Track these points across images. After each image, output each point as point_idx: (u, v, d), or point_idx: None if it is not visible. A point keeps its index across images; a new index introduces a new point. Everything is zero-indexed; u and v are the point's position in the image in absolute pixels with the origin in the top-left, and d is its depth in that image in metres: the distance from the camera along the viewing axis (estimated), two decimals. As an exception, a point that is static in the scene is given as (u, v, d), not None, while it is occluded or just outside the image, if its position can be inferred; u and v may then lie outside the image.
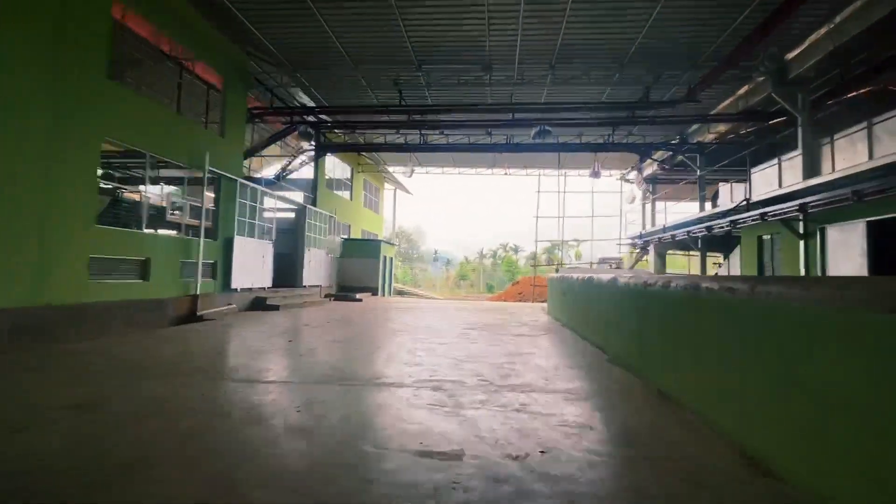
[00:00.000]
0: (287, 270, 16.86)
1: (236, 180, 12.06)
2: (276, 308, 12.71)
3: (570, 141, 16.39)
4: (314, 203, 18.04)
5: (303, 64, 12.50)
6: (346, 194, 22.54)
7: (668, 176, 20.53)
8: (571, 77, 11.91)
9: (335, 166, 22.01)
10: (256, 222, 13.17)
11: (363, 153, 21.93)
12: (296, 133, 15.89)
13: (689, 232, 15.15)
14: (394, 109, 12.87)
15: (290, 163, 17.61)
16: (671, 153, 16.80)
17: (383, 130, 16.61)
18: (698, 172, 16.11)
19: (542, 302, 21.96)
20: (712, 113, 13.55)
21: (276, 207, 16.64)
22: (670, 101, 11.93)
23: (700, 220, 14.58)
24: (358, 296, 18.39)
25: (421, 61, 11.94)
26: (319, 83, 13.28)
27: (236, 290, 12.15)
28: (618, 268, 24.39)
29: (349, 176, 22.67)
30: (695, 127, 15.43)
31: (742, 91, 12.51)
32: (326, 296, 18.16)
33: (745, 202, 11.04)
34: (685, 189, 20.25)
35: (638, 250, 21.31)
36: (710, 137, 15.30)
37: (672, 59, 11.11)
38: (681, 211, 20.09)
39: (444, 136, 17.22)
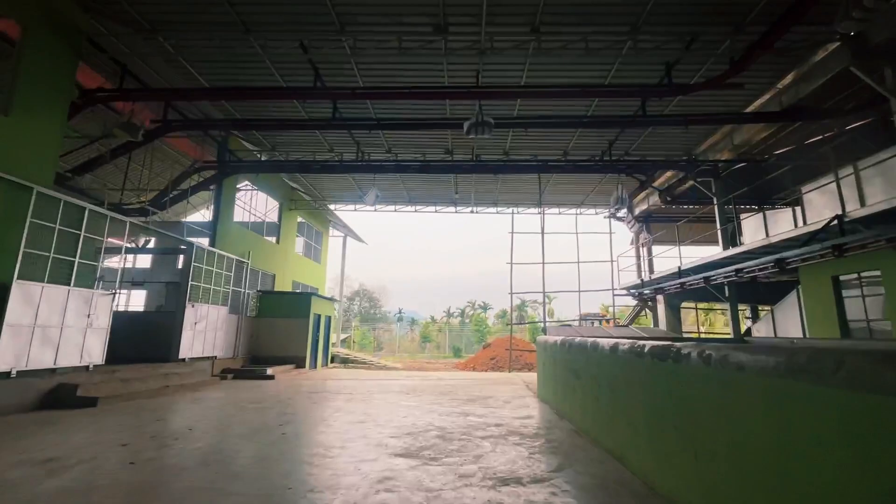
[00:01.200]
0: (155, 336, 11.58)
1: (30, 188, 7.29)
2: (90, 404, 7.48)
3: (552, 158, 12.66)
4: (213, 241, 13.19)
5: (167, 24, 8.30)
6: (272, 237, 17.79)
7: (666, 212, 17.12)
8: (563, 45, 8.19)
9: (257, 200, 17.44)
10: (78, 260, 8.21)
11: (288, 178, 17.53)
12: (186, 141, 11.43)
13: (707, 278, 11.22)
14: (307, 91, 8.68)
15: (176, 183, 12.90)
16: (678, 179, 13.32)
17: (298, 134, 12.41)
18: (715, 201, 12.60)
19: (522, 371, 17.25)
20: (749, 111, 10.13)
21: (141, 248, 11.74)
22: (700, 83, 8.35)
23: (730, 261, 10.73)
24: (270, 371, 13.12)
25: (345, 22, 8.02)
26: (194, 55, 9.03)
27: (9, 373, 6.94)
28: (605, 325, 20.26)
29: (277, 213, 18.07)
30: (710, 141, 12.08)
31: (788, 79, 9.17)
32: (225, 371, 12.80)
33: (836, 219, 7.19)
34: (684, 230, 16.78)
35: (636, 304, 17.29)
36: (725, 156, 11.94)
37: (706, 20, 7.65)
38: (687, 255, 16.46)
39: (390, 154, 13.18)
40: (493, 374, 16.32)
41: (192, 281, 11.68)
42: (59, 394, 7.61)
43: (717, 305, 18.04)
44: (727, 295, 11.93)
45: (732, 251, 10.52)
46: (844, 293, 8.37)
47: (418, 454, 4.70)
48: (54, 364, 7.73)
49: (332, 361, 21.64)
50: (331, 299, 19.02)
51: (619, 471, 4.10)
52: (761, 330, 11.75)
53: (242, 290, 14.64)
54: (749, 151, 11.81)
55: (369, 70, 9.26)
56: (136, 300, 21.47)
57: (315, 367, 16.30)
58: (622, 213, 17.89)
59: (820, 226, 7.52)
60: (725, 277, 10.99)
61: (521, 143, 12.81)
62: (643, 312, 17.57)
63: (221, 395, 9.04)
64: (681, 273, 12.15)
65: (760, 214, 11.73)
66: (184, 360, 11.32)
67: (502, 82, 9.29)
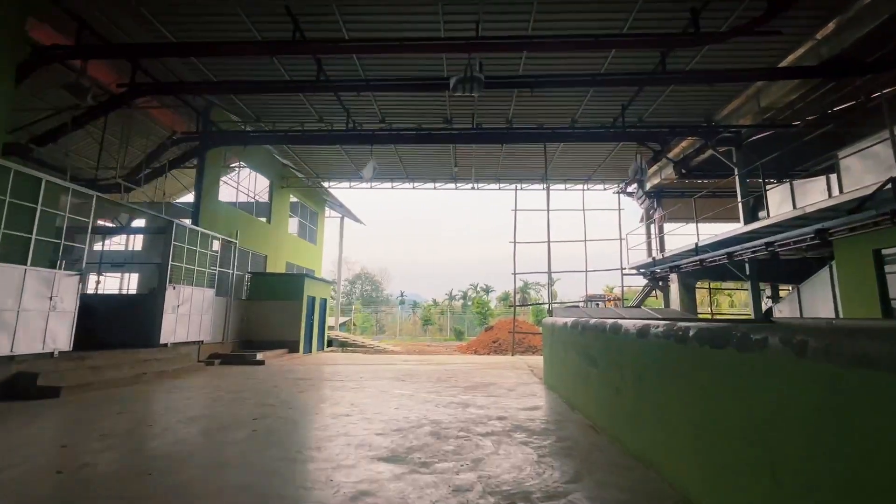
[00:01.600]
0: (135, 321, 10.86)
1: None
2: (52, 394, 6.78)
3: (559, 126, 11.67)
4: (195, 219, 12.36)
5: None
6: (263, 218, 16.93)
7: (679, 187, 16.13)
8: (574, -13, 7.17)
9: (247, 179, 16.55)
10: (34, 237, 7.40)
11: (279, 154, 16.59)
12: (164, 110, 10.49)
13: (731, 254, 10.34)
14: (285, 46, 7.69)
15: (153, 156, 12.00)
16: (695, 149, 12.31)
17: (283, 101, 11.46)
18: (737, 172, 11.62)
19: (526, 355, 16.57)
20: (783, 65, 9.08)
21: (121, 228, 10.93)
22: (731, 30, 7.32)
23: (756, 235, 9.83)
24: (260, 356, 12.43)
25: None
26: (159, 7, 8.03)
27: (-46, 362, 6.22)
28: (614, 306, 19.52)
29: (268, 192, 17.17)
30: (732, 105, 11.05)
31: (830, 27, 8.11)
32: (213, 357, 12.13)
33: (889, 183, 6.27)
34: (698, 206, 15.79)
35: (646, 284, 16.45)
36: (749, 121, 10.92)
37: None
38: (702, 232, 15.54)
39: (384, 124, 12.21)
40: (495, 357, 15.63)
41: (172, 261, 10.89)
42: (16, 384, 6.90)
43: (734, 285, 17.18)
44: (748, 273, 11.06)
45: (759, 224, 9.60)
46: (887, 269, 7.50)
47: (406, 457, 3.93)
48: (11, 351, 6.99)
49: (329, 345, 21.05)
50: (326, 281, 18.27)
51: (651, 481, 3.32)
52: (784, 310, 10.93)
53: (231, 272, 13.87)
54: (775, 117, 10.78)
55: (355, 22, 8.25)
56: (130, 283, 20.82)
57: (310, 351, 15.64)
58: (632, 188, 16.92)
59: (869, 191, 6.60)
60: (753, 252, 10.08)
61: (525, 110, 11.81)
62: (653, 293, 16.75)
63: (201, 384, 8.33)
64: (698, 250, 11.27)
65: (786, 185, 10.77)
66: (166, 345, 10.62)
67: (506, 35, 8.27)
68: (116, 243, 20.08)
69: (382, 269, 78.71)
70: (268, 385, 8.16)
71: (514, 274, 16.88)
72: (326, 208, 25.08)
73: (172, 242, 10.90)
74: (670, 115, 11.95)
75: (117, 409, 5.93)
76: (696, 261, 11.46)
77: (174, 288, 10.88)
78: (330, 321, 28.03)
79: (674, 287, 13.09)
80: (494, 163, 16.09)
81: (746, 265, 11.20)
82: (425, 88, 8.72)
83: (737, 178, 11.63)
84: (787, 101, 9.86)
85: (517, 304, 19.11)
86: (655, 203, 16.71)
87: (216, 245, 12.90)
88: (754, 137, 11.58)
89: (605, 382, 4.83)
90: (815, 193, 9.79)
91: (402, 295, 59.61)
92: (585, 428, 5.03)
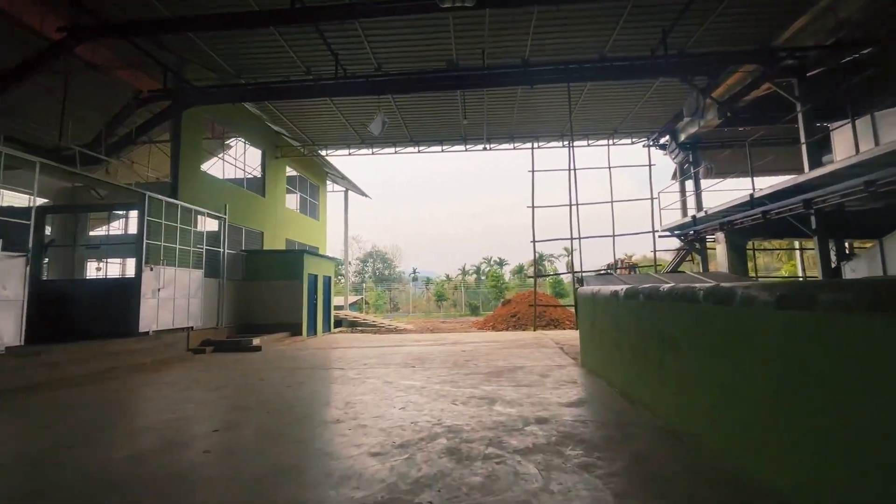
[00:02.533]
0: (112, 308, 9.68)
1: None
2: (-11, 398, 5.60)
3: (587, 60, 9.88)
4: (174, 191, 11.00)
5: None
6: (257, 192, 15.54)
7: (719, 137, 14.22)
8: None
9: (240, 150, 15.08)
10: (-41, 211, 6.08)
11: (270, 121, 15.05)
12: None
13: (808, 202, 8.62)
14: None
15: (118, 121, 10.58)
16: (746, 85, 10.40)
17: (264, 48, 9.85)
18: (799, 107, 9.74)
19: (548, 329, 15.21)
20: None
21: (88, 206, 9.63)
22: None
23: (827, 180, 8.11)
24: (257, 341, 11.25)
25: None
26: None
27: None
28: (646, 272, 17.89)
29: (260, 162, 15.71)
30: (797, 25, 9.11)
31: None
32: (204, 344, 10.98)
33: None
34: (741, 157, 13.88)
35: (682, 247, 14.77)
36: (818, 42, 9.00)
37: None
38: (744, 188, 13.74)
39: (380, 72, 10.55)
40: (516, 334, 14.27)
41: (148, 239, 9.60)
42: (-54, 388, 5.73)
43: (779, 244, 15.36)
44: (815, 227, 9.36)
45: (836, 166, 7.84)
46: None
47: (412, 502, 2.55)
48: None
49: (338, 326, 19.96)
50: (329, 258, 16.96)
51: None
52: (858, 269, 9.27)
53: (221, 251, 12.60)
54: (852, 34, 8.85)
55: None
56: (127, 269, 19.79)
57: (314, 333, 14.47)
58: (665, 139, 15.03)
59: None
60: (841, 196, 8.29)
61: (544, 45, 10.02)
62: (689, 258, 15.09)
63: (177, 378, 7.09)
64: (754, 202, 9.56)
65: (866, 119, 8.92)
66: (147, 333, 9.44)
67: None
68: (115, 228, 18.95)
69: (394, 245, 77.67)
70: (254, 378, 6.89)
71: (534, 242, 15.34)
72: (329, 182, 23.67)
73: (146, 218, 9.58)
74: (718, 44, 10.04)
75: (51, 418, 4.68)
76: (756, 214, 9.73)
77: (152, 269, 9.61)
78: (339, 301, 27.01)
79: (720, 248, 11.41)
80: (508, 117, 14.31)
81: (813, 218, 9.47)
82: (422, 10, 7.02)
83: (800, 115, 9.77)
84: (872, 11, 7.93)
85: (537, 273, 17.57)
86: (691, 156, 14.83)
87: (204, 222, 11.57)
88: (817, 71, 9.66)
89: (693, 372, 3.37)
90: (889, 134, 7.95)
91: (414, 272, 58.63)
92: (664, 435, 3.60)
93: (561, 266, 42.74)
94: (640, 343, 4.44)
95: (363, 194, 24.91)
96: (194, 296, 11.05)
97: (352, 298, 40.90)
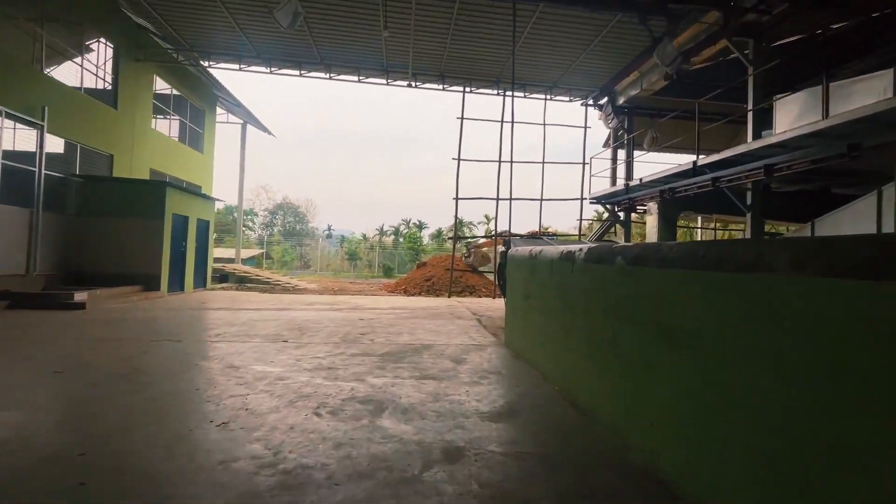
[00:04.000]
0: None
1: None
2: None
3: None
4: (-61, 72, 7.38)
5: None
6: (104, 99, 11.76)
7: (657, 104, 13.45)
8: None
9: (88, 42, 11.08)
10: None
11: (130, 9, 11.29)
12: None
13: (770, 168, 7.83)
14: None
15: None
16: (707, 37, 9.35)
17: None
18: (751, 71, 8.93)
19: (463, 296, 13.91)
20: None
21: None
22: None
23: (767, 151, 7.37)
24: (81, 296, 8.33)
25: None
26: None
27: None
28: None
29: (112, 62, 11.84)
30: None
31: None
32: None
33: None
34: (671, 128, 13.31)
35: (607, 218, 14.12)
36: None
37: None
38: (673, 162, 13.21)
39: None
40: (429, 299, 12.74)
41: None
42: None
43: (722, 220, 15.39)
44: (749, 204, 8.80)
45: (787, 135, 7.05)
46: None
47: None
48: None
49: (223, 281, 16.96)
50: (204, 196, 13.80)
51: None
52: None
53: (36, 171, 9.14)
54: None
55: None
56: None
57: (181, 288, 11.62)
58: (603, 101, 13.97)
59: None
60: (788, 167, 7.54)
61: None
62: (612, 229, 14.54)
63: None
64: (696, 170, 8.71)
65: (811, 91, 8.31)
66: None
67: None
68: None
69: (308, 200, 72.25)
70: (16, 367, 4.42)
71: (457, 199, 13.69)
72: (223, 113, 19.71)
73: None
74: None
75: None
76: (702, 182, 8.87)
77: None
78: (230, 253, 23.47)
79: (650, 220, 10.68)
80: (439, 47, 12.11)
81: (749, 194, 8.89)
82: None
83: (750, 80, 8.98)
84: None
85: (457, 236, 16.10)
86: (626, 122, 14.00)
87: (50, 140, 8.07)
88: (775, 41, 8.88)
89: (744, 403, 1.84)
90: (856, 97, 7.36)
91: (329, 228, 55.00)
92: (660, 493, 2.10)
93: (481, 233, 42.31)
94: (608, 331, 2.91)
95: (265, 130, 21.30)
96: (-21, 229, 7.75)
97: (253, 251, 36.73)
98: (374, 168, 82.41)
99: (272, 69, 13.21)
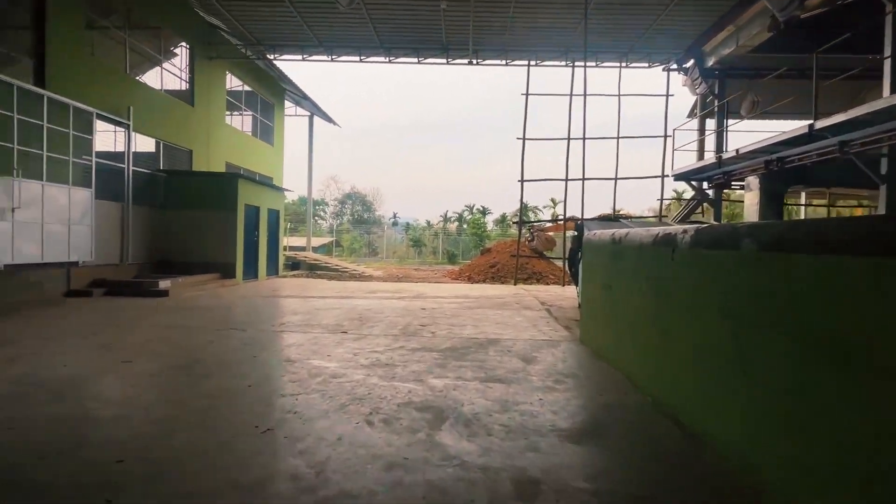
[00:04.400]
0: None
1: None
2: None
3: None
4: (40, 77, 8.03)
5: None
6: (182, 98, 12.44)
7: (754, 63, 11.63)
8: None
9: (165, 44, 11.76)
10: None
11: (201, 8, 11.74)
12: None
13: (865, 143, 6.33)
14: None
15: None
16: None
17: None
18: (889, 8, 7.23)
19: (529, 284, 13.20)
20: None
21: None
22: None
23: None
24: (165, 284, 8.87)
25: None
26: None
27: None
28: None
29: (188, 60, 12.47)
30: None
31: None
32: (95, 284, 8.57)
33: None
34: (782, 89, 11.38)
35: (693, 197, 12.62)
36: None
37: None
38: (774, 130, 11.45)
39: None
40: (494, 287, 12.23)
41: (-14, 137, 6.83)
42: None
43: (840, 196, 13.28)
44: (885, 173, 7.21)
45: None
46: None
47: None
48: None
49: (295, 269, 17.66)
50: (274, 187, 14.26)
51: None
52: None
53: (126, 167, 9.83)
54: None
55: None
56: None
57: (255, 276, 12.13)
58: (689, 63, 12.37)
59: None
60: None
61: None
62: (699, 209, 12.99)
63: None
64: (813, 134, 7.26)
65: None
66: (-5, 268, 6.91)
67: None
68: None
69: (374, 188, 74.34)
70: (94, 344, 4.59)
71: (522, 181, 12.92)
72: (291, 106, 20.35)
73: (-18, 106, 6.75)
74: None
75: None
76: (822, 149, 7.41)
77: (-6, 180, 6.92)
78: (302, 241, 24.51)
79: (750, 197, 9.24)
80: (501, 19, 11.33)
81: (884, 162, 7.29)
82: None
83: (890, 17, 7.28)
84: None
85: (522, 220, 15.32)
86: (716, 86, 12.31)
87: (88, 123, 8.69)
88: None
89: None
90: None
91: (394, 216, 56.17)
92: None
93: (546, 218, 40.73)
94: (726, 339, 2.23)
95: (331, 121, 21.73)
96: (78, 222, 8.44)
97: (324, 240, 38.35)
98: (437, 156, 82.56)
99: (333, 57, 13.20)
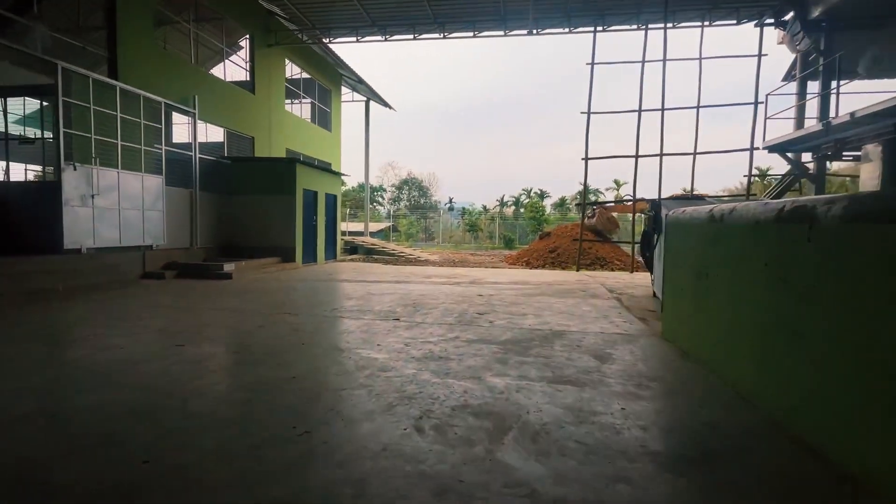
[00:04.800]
0: (30, 220, 7.64)
1: None
2: None
3: None
4: (111, 70, 8.40)
5: None
6: (244, 86, 12.73)
7: (864, 9, 9.78)
8: None
9: (227, 34, 12.06)
10: None
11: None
12: None
13: None
14: None
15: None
16: None
17: None
18: None
19: (592, 270, 12.29)
20: None
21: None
22: None
23: None
24: (229, 267, 9.12)
25: None
26: None
27: None
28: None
29: (248, 49, 12.69)
30: None
31: None
32: (167, 267, 9.00)
33: None
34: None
35: (789, 172, 11.01)
36: None
37: None
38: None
39: None
40: (554, 273, 11.53)
41: (66, 128, 7.22)
42: None
43: None
44: None
45: None
46: None
47: None
48: None
49: (353, 253, 17.90)
50: (332, 171, 14.33)
51: None
52: None
53: (193, 154, 10.20)
54: None
55: None
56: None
57: (314, 259, 12.31)
58: (789, 16, 10.67)
59: None
60: None
61: None
62: (796, 186, 11.32)
63: (53, 321, 4.95)
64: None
65: None
66: (78, 250, 7.38)
67: None
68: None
69: (430, 174, 74.63)
70: (171, 325, 4.62)
71: (586, 158, 11.94)
72: (347, 91, 20.43)
73: (61, 99, 7.12)
74: None
75: None
76: None
77: (75, 169, 7.32)
78: (361, 227, 24.90)
79: (868, 169, 7.77)
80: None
81: None
82: None
83: None
84: None
85: (587, 202, 14.35)
86: (822, 42, 10.53)
87: (158, 111, 9.04)
88: None
89: None
90: None
91: (450, 201, 56.04)
92: None
93: (609, 200, 38.59)
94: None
95: (386, 105, 21.57)
96: (151, 208, 8.85)
97: (381, 225, 38.96)
98: (494, 139, 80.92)
99: (387, 37, 12.87)
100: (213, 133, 11.71)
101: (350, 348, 3.86)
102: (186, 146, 10.23)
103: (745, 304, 2.85)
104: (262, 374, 3.19)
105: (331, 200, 13.48)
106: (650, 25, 11.45)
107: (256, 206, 11.26)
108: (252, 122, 12.53)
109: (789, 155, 10.84)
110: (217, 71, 12.64)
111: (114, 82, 8.03)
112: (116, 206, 8.09)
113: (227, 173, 11.32)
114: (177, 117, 10.46)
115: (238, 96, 12.09)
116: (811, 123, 10.22)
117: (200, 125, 11.16)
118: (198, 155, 10.23)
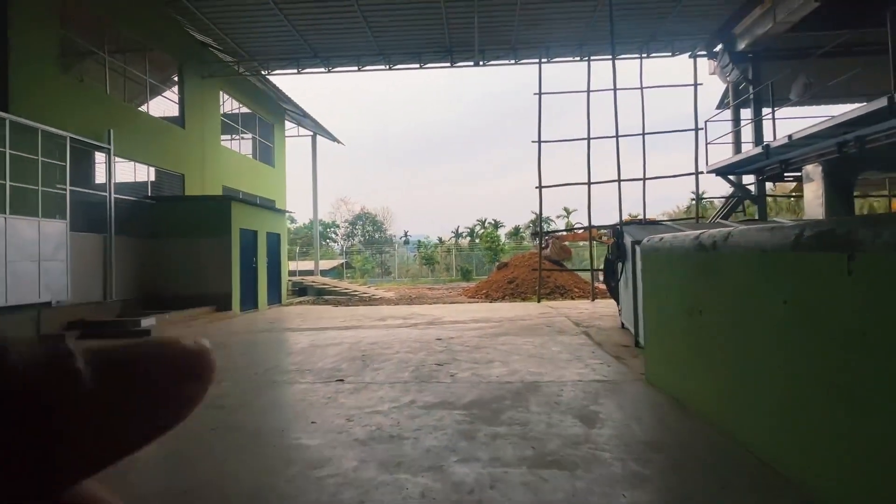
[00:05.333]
0: None
1: None
2: None
3: None
4: (2, 99, 7.25)
5: None
6: (171, 119, 11.70)
7: (790, 44, 10.48)
8: None
9: (151, 63, 11.08)
10: None
11: (192, 26, 11.08)
12: None
13: None
14: None
15: None
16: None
17: None
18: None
19: (552, 299, 11.94)
20: None
21: None
22: None
23: None
24: (149, 322, 7.88)
25: None
26: None
27: None
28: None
29: (178, 80, 11.75)
30: None
31: None
32: (71, 327, 7.63)
33: None
34: (836, 69, 10.15)
35: (732, 194, 11.33)
36: None
37: None
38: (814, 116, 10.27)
39: None
40: (516, 306, 11.04)
41: (-67, 167, 6.00)
42: None
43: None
44: None
45: None
46: None
47: None
48: None
49: (302, 294, 16.69)
50: (274, 210, 13.36)
51: None
52: None
53: (108, 195, 9.00)
54: None
55: None
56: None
57: (254, 306, 11.13)
58: (717, 48, 11.24)
59: None
60: None
61: None
62: (740, 207, 11.67)
63: None
64: (893, 108, 6.06)
65: None
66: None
67: None
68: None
69: (384, 207, 74.06)
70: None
71: (540, 187, 11.79)
72: (292, 126, 19.69)
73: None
74: None
75: None
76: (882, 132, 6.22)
77: (-57, 216, 6.06)
78: (309, 265, 23.62)
79: (811, 189, 7.96)
80: (508, 21, 10.41)
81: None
82: None
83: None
84: None
85: (543, 231, 14.20)
86: (750, 72, 11.14)
87: (63, 149, 7.88)
88: None
89: None
90: None
91: (405, 234, 55.45)
92: None
93: (561, 227, 39.44)
94: None
95: (334, 139, 21.01)
96: (51, 258, 7.55)
97: (335, 262, 37.54)
98: (445, 171, 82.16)
99: (330, 68, 12.40)
100: (142, 172, 10.55)
101: (277, 429, 3.02)
102: (102, 186, 9.04)
103: (758, 349, 2.35)
104: (143, 487, 2.30)
105: (273, 240, 12.45)
106: (593, 57, 11.72)
107: (186, 250, 10.07)
108: (182, 158, 11.45)
109: (731, 178, 11.20)
110: (152, 106, 11.53)
111: (2, 114, 6.89)
112: (2, 258, 6.79)
113: (150, 215, 10.12)
114: (101, 156, 9.29)
115: (165, 131, 11.04)
116: (748, 147, 10.63)
117: (128, 164, 10.06)
118: (113, 195, 9.05)
